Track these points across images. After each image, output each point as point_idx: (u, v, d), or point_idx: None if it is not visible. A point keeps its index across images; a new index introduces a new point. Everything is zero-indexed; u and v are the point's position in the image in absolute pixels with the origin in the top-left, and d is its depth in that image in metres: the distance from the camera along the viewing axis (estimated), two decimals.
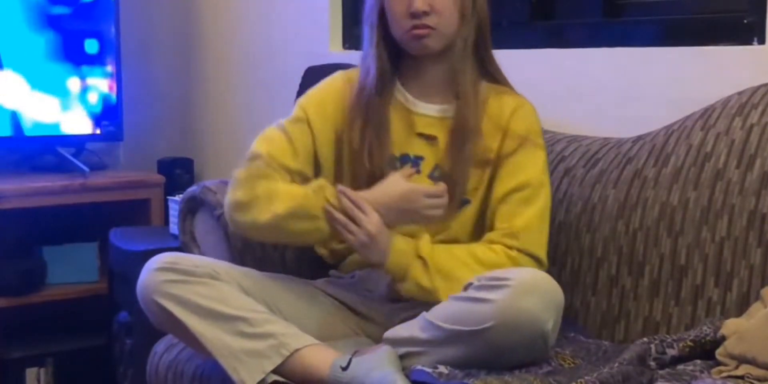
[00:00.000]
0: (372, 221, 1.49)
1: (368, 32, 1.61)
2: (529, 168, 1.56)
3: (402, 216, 1.53)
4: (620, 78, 1.88)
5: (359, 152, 1.58)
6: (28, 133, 2.57)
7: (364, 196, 1.52)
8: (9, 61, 2.52)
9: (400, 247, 1.50)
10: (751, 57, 1.71)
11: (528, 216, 1.54)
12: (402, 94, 1.62)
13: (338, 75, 1.68)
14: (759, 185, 1.48)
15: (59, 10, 2.59)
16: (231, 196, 1.57)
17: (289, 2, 2.58)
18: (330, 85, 1.66)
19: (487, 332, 1.31)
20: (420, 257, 1.49)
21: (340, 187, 1.52)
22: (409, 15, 1.52)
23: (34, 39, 2.55)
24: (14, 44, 2.53)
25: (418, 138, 1.61)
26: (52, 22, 2.57)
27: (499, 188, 1.56)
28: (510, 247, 1.51)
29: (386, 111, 1.60)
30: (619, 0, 2.05)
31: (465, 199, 1.58)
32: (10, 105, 2.53)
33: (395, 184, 1.54)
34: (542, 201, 1.56)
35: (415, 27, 1.53)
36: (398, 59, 1.61)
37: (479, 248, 1.53)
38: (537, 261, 1.53)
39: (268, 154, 1.57)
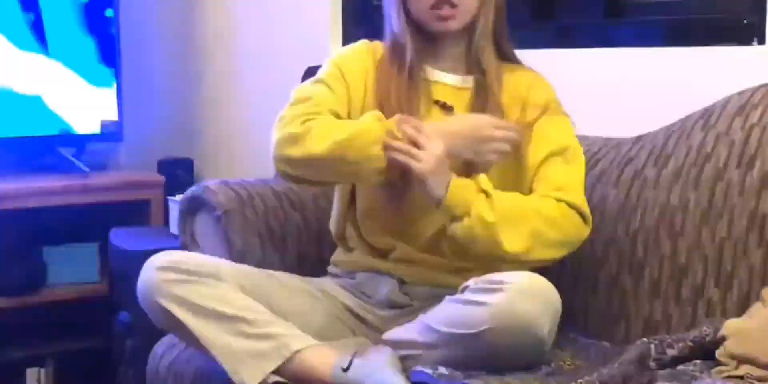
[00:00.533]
0: (438, 146, 1.43)
1: (394, 14, 1.60)
2: (560, 132, 1.57)
3: (468, 146, 1.47)
4: (620, 78, 1.88)
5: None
6: (29, 132, 2.57)
7: (426, 125, 1.48)
8: None
9: (460, 182, 1.44)
10: (751, 57, 1.71)
11: (572, 174, 1.53)
12: (421, 68, 1.61)
13: (362, 44, 1.67)
14: (759, 186, 1.47)
15: None
16: (281, 131, 1.49)
17: (290, 2, 2.58)
18: (357, 50, 1.66)
19: (483, 335, 1.31)
20: (483, 191, 1.43)
21: (399, 115, 1.48)
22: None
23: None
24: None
25: (434, 106, 1.60)
26: None
27: (536, 154, 1.54)
28: (559, 200, 1.48)
29: (416, 93, 1.59)
30: (620, 1, 2.05)
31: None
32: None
33: (463, 116, 1.55)
34: (581, 161, 1.58)
35: (439, 7, 1.53)
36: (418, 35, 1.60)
37: (532, 197, 1.50)
38: (584, 217, 1.50)
39: (316, 98, 1.53)
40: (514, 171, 1.55)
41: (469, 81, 1.61)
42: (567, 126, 1.60)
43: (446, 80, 1.61)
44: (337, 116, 1.53)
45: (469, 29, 1.58)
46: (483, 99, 1.57)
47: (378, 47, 1.65)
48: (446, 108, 1.59)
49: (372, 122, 1.46)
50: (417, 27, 1.59)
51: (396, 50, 1.60)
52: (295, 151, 1.47)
